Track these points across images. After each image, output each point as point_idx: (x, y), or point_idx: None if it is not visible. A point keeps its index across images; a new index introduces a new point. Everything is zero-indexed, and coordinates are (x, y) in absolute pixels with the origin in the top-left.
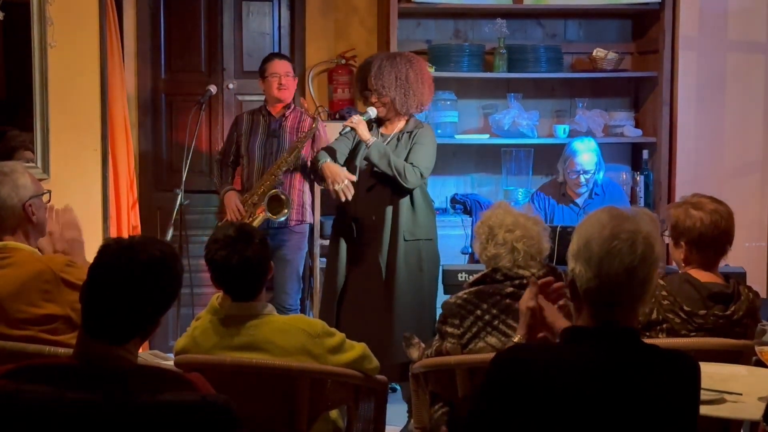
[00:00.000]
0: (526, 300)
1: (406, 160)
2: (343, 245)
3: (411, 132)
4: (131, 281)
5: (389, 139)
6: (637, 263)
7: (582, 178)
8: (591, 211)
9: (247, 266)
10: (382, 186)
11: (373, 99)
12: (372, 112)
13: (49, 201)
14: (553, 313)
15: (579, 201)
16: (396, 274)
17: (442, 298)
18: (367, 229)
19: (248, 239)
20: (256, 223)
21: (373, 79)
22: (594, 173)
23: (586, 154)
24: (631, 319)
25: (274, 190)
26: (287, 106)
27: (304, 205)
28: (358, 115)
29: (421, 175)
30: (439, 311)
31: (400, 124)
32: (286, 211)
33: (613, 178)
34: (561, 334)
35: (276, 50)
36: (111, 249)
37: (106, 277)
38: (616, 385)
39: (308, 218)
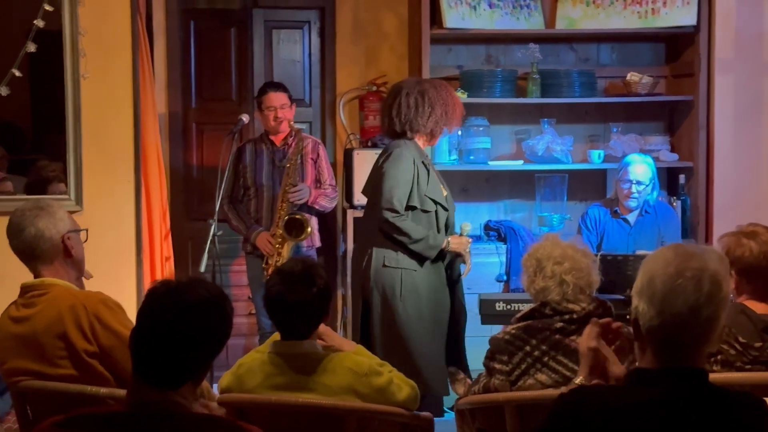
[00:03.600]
0: (587, 340)
1: None
2: None
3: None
4: (180, 324)
5: None
6: (703, 302)
7: (634, 188)
8: (642, 230)
9: (296, 308)
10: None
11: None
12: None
13: (86, 239)
14: (608, 356)
15: (630, 218)
16: (372, 301)
17: (480, 328)
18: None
19: (309, 283)
20: (285, 253)
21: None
22: (647, 188)
23: (640, 165)
24: (698, 360)
25: (288, 216)
26: (289, 134)
27: (313, 230)
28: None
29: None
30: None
31: None
32: (309, 230)
33: None
34: (626, 376)
35: (307, 77)
36: (158, 291)
37: (154, 320)
38: (684, 429)
39: (317, 242)
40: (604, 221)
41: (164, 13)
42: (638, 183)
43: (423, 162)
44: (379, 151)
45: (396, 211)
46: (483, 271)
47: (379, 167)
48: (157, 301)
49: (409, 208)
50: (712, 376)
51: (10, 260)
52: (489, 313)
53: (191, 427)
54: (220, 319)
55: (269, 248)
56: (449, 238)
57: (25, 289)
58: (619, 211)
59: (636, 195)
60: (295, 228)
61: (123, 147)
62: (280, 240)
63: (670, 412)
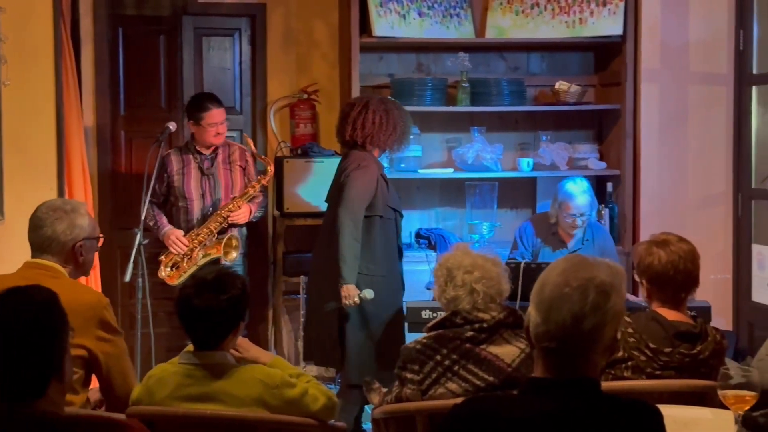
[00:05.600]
0: None
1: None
2: None
3: None
4: (9, 336)
5: None
6: (587, 311)
7: (578, 221)
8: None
9: (204, 315)
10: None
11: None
12: (369, 293)
13: (101, 244)
14: None
15: (569, 244)
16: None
17: (407, 336)
18: None
19: (220, 290)
20: (205, 260)
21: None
22: (588, 214)
23: (581, 197)
24: (587, 369)
25: (231, 235)
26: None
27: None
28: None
29: None
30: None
31: None
32: (235, 255)
33: None
34: (521, 385)
35: (237, 85)
36: None
37: None
38: None
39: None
40: (538, 242)
41: (92, 19)
42: (582, 215)
43: (382, 174)
44: (310, 159)
45: (352, 219)
46: (413, 279)
47: (347, 174)
48: None
49: (377, 216)
50: (620, 384)
51: None
52: (415, 320)
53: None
54: (50, 320)
55: (180, 247)
56: (350, 286)
57: (31, 265)
58: (558, 235)
59: (580, 225)
60: (228, 247)
61: (45, 154)
62: (199, 246)
63: (562, 422)
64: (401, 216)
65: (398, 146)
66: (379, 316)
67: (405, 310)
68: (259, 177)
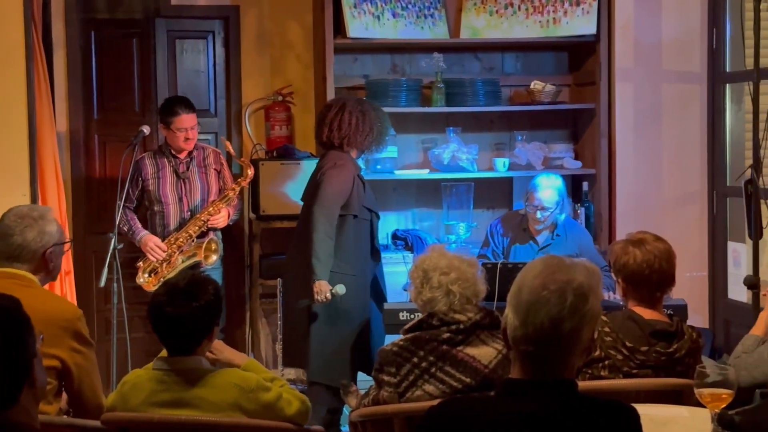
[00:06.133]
0: None
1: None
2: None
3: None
4: None
5: None
6: (565, 314)
7: (539, 214)
8: (550, 251)
9: (177, 322)
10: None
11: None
12: (341, 289)
13: (70, 249)
14: None
15: (539, 239)
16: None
17: (384, 337)
18: None
19: (192, 296)
20: (185, 264)
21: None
22: (554, 212)
23: (547, 190)
24: (564, 371)
25: (211, 238)
26: (194, 147)
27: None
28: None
29: None
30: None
31: None
32: (215, 258)
33: None
34: (497, 386)
35: (212, 88)
36: None
37: None
38: None
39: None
40: (507, 241)
41: (63, 23)
42: (544, 208)
43: (358, 175)
44: (286, 161)
45: (326, 215)
46: (390, 280)
47: (323, 172)
48: None
49: (351, 216)
50: (597, 383)
51: None
52: (393, 322)
53: None
54: (11, 318)
55: (158, 253)
56: (322, 281)
57: (2, 275)
58: (528, 229)
59: (541, 218)
60: (208, 251)
61: (17, 160)
62: (177, 250)
63: (539, 424)
64: (378, 217)
65: (376, 147)
66: (348, 315)
67: (382, 312)
68: (239, 180)
